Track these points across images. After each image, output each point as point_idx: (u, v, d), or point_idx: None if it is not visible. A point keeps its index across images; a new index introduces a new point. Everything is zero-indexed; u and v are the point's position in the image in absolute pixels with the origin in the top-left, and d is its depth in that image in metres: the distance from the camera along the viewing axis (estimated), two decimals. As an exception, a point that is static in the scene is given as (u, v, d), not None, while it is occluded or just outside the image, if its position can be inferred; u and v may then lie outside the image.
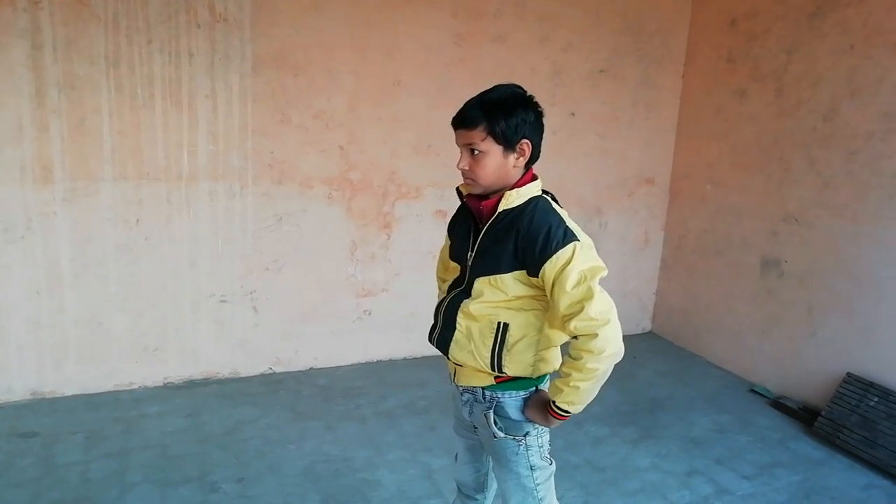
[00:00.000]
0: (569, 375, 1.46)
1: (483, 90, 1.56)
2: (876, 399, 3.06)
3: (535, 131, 1.54)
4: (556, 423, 1.55)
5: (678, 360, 4.13)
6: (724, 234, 3.97)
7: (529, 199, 1.55)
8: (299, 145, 3.40)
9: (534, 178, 1.59)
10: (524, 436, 1.61)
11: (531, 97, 1.56)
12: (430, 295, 3.82)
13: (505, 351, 1.56)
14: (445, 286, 1.88)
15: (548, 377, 1.64)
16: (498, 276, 1.54)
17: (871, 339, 3.16)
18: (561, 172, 4.04)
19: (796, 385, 3.51)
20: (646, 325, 4.61)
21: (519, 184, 1.57)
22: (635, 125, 4.21)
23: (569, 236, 1.47)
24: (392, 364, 3.83)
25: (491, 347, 1.57)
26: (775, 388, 3.61)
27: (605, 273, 1.46)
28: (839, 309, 3.31)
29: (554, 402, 1.50)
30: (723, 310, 4.00)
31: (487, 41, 3.69)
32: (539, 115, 1.55)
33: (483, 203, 1.58)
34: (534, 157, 1.57)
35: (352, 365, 3.77)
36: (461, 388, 1.70)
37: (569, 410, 1.49)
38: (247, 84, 3.23)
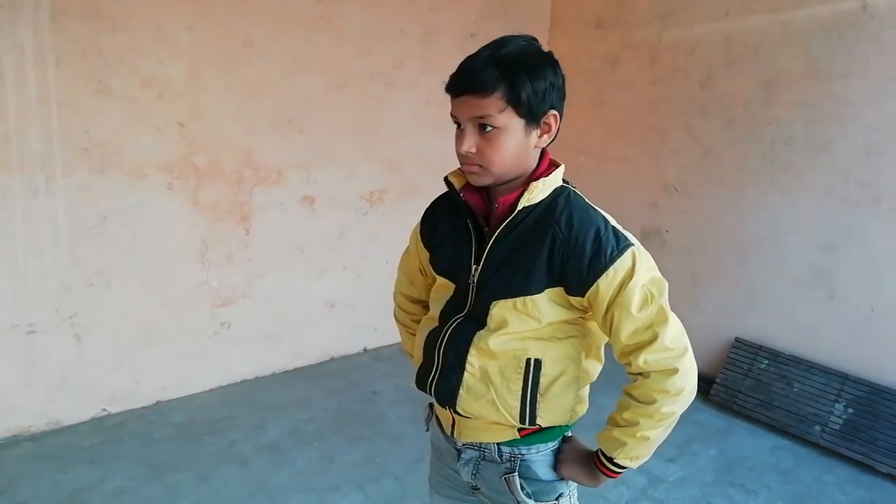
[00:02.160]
0: (636, 424, 1.09)
1: (487, 44, 1.12)
2: (766, 361, 3.14)
3: (562, 100, 1.14)
4: (605, 481, 1.19)
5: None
6: (602, 207, 3.85)
7: (554, 192, 1.15)
8: (125, 122, 2.63)
9: (554, 163, 1.19)
10: (556, 499, 1.23)
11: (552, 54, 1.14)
12: (300, 295, 3.25)
13: (539, 396, 1.16)
14: (415, 309, 1.43)
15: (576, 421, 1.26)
16: (528, 299, 1.12)
17: (755, 302, 3.23)
18: (436, 146, 3.66)
19: (683, 354, 3.53)
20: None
21: (542, 172, 1.16)
22: (506, 95, 3.95)
23: (622, 241, 1.10)
24: (261, 383, 3.22)
25: (520, 394, 1.16)
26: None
27: (667, 286, 1.11)
28: (723, 275, 3.35)
29: (610, 458, 1.14)
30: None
31: (351, -4, 3.16)
32: (564, 78, 1.14)
33: (502, 198, 1.15)
34: (555, 136, 1.17)
35: (212, 390, 3.10)
36: (461, 444, 1.27)
37: (629, 467, 1.14)
38: (45, 41, 2.39)
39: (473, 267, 1.18)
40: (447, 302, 1.24)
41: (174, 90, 2.73)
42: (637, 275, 1.07)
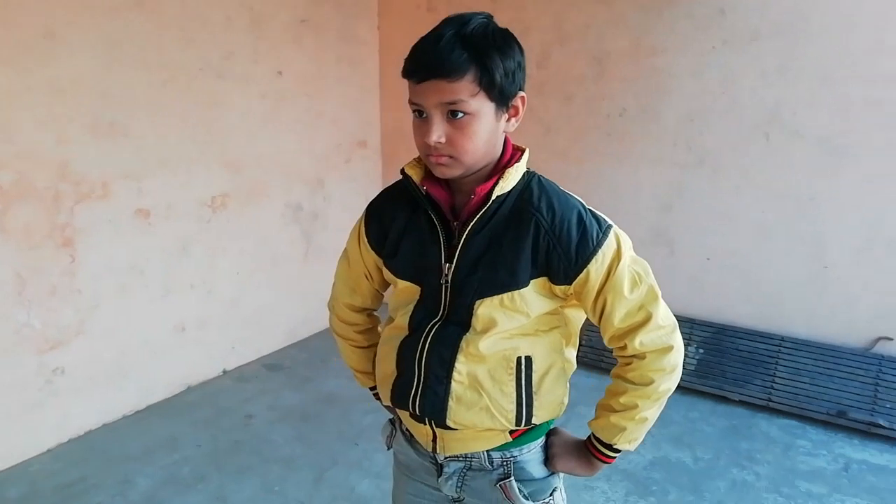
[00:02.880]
0: (634, 407, 1.07)
1: (442, 22, 1.01)
2: (623, 319, 3.38)
3: (524, 81, 1.06)
4: (601, 468, 1.16)
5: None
6: (451, 191, 3.88)
7: (523, 178, 1.09)
8: None
9: (518, 147, 1.12)
10: (551, 494, 1.17)
11: None
12: (144, 323, 2.90)
13: (534, 394, 1.09)
14: (358, 318, 1.29)
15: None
16: (515, 294, 1.04)
17: (607, 267, 3.45)
18: (276, 144, 3.41)
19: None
20: (377, 297, 4.33)
21: (511, 158, 1.08)
22: (342, 83, 3.78)
23: (603, 223, 1.06)
24: (112, 431, 2.77)
25: (515, 395, 1.08)
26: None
27: (648, 264, 1.10)
28: (575, 245, 3.54)
29: (609, 445, 1.11)
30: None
31: (167, -21, 2.78)
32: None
33: (479, 188, 1.05)
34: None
35: (52, 451, 2.60)
36: (443, 458, 1.16)
37: (627, 450, 1.12)
38: None
39: (446, 266, 1.08)
40: (415, 307, 1.12)
41: (-43, 95, 2.20)
42: (623, 256, 1.04)
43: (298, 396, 3.05)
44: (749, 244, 3.00)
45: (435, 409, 1.09)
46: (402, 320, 1.13)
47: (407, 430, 1.23)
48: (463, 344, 1.06)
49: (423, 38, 1.00)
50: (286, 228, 3.56)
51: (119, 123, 2.68)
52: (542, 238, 1.03)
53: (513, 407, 1.08)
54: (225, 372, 3.30)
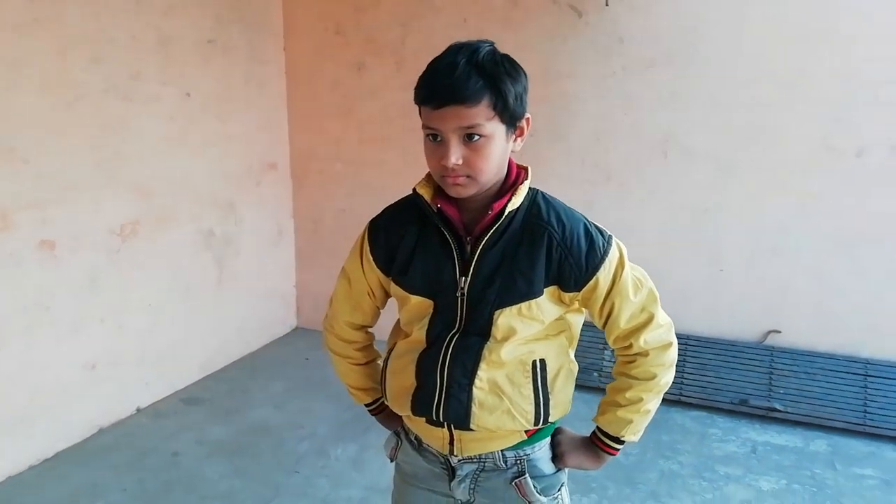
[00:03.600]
0: (640, 401, 1.17)
1: (450, 50, 1.09)
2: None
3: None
4: (607, 461, 1.25)
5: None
6: (367, 212, 3.79)
7: (528, 194, 1.16)
8: None
9: (521, 166, 1.20)
10: (559, 490, 1.26)
11: None
12: (51, 364, 2.82)
13: (550, 393, 1.17)
14: (358, 336, 1.33)
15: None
16: (532, 302, 1.12)
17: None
18: (186, 167, 3.27)
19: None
20: (292, 322, 4.23)
21: (519, 176, 1.16)
22: (252, 105, 3.70)
23: (605, 233, 1.17)
24: (20, 484, 2.51)
25: (533, 397, 1.16)
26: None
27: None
28: (493, 260, 3.67)
29: (617, 437, 1.20)
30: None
31: (69, -5, 2.62)
32: None
33: (496, 204, 1.12)
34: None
35: (-50, 512, 2.33)
36: (457, 460, 1.21)
37: (633, 441, 1.21)
38: None
39: (462, 279, 1.13)
40: (431, 321, 1.17)
41: None
42: (626, 264, 1.14)
43: (225, 429, 2.92)
44: (654, 252, 3.24)
45: (459, 416, 1.14)
46: (420, 334, 1.17)
47: (416, 438, 1.26)
48: (485, 352, 1.13)
49: (435, 67, 1.06)
50: (198, 255, 3.41)
51: (20, 149, 2.48)
52: (555, 250, 1.11)
53: (531, 407, 1.15)
54: (139, 410, 3.09)
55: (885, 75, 2.83)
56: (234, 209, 3.63)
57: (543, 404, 1.16)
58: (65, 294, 2.71)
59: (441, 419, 1.15)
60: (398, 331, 1.27)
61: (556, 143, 3.41)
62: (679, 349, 3.43)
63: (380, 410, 1.40)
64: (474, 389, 1.13)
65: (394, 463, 1.35)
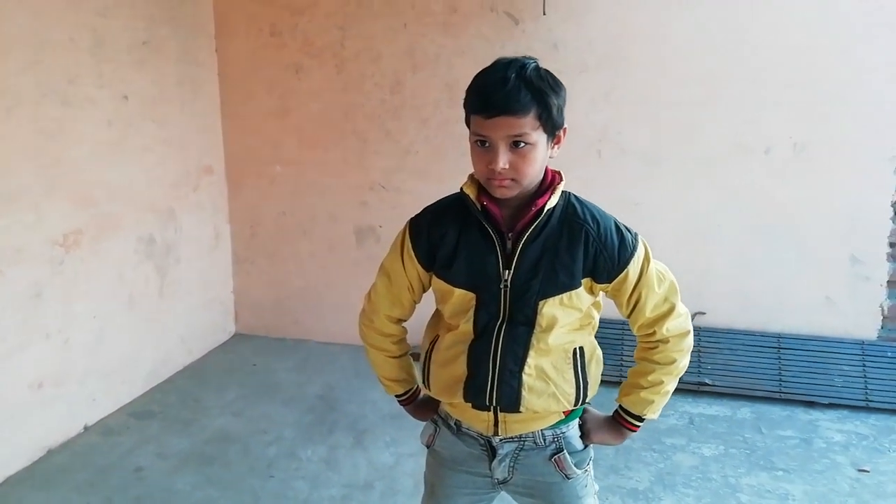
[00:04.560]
0: (660, 383, 1.33)
1: (499, 65, 1.21)
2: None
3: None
4: (628, 437, 1.40)
5: (293, 351, 3.91)
6: (308, 214, 3.90)
7: (562, 195, 1.29)
8: None
9: (554, 170, 1.32)
10: (588, 463, 1.41)
11: None
12: (3, 383, 2.61)
13: (589, 378, 1.32)
14: (396, 329, 1.44)
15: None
16: (573, 293, 1.26)
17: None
18: (126, 173, 3.16)
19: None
20: (231, 328, 4.15)
21: (554, 178, 1.29)
22: (186, 107, 3.60)
23: (631, 230, 1.32)
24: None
25: (574, 381, 1.30)
26: (397, 343, 3.87)
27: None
28: (438, 257, 3.78)
29: (639, 416, 1.35)
30: (323, 288, 3.98)
31: (2, -6, 2.48)
32: None
33: (539, 200, 1.25)
34: None
35: None
36: (498, 440, 1.33)
37: (653, 419, 1.37)
38: None
39: (505, 272, 1.24)
40: (476, 312, 1.27)
41: None
42: (651, 258, 1.29)
43: (186, 441, 2.87)
44: (592, 245, 3.49)
45: (511, 400, 1.26)
46: (467, 326, 1.28)
47: (455, 423, 1.36)
48: (534, 340, 1.25)
49: (486, 79, 1.18)
50: (141, 264, 3.30)
51: (-42, 158, 2.33)
52: (591, 245, 1.25)
53: (573, 390, 1.29)
54: (87, 427, 2.96)
55: (787, 79, 3.19)
56: (173, 215, 3.53)
57: (583, 387, 1.30)
58: (7, 310, 2.56)
59: (493, 404, 1.26)
60: (440, 324, 1.37)
61: (498, 143, 3.56)
62: (616, 334, 3.72)
63: (411, 400, 1.50)
64: (523, 375, 1.26)
65: (429, 449, 1.44)
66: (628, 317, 1.34)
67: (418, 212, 1.39)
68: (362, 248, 3.88)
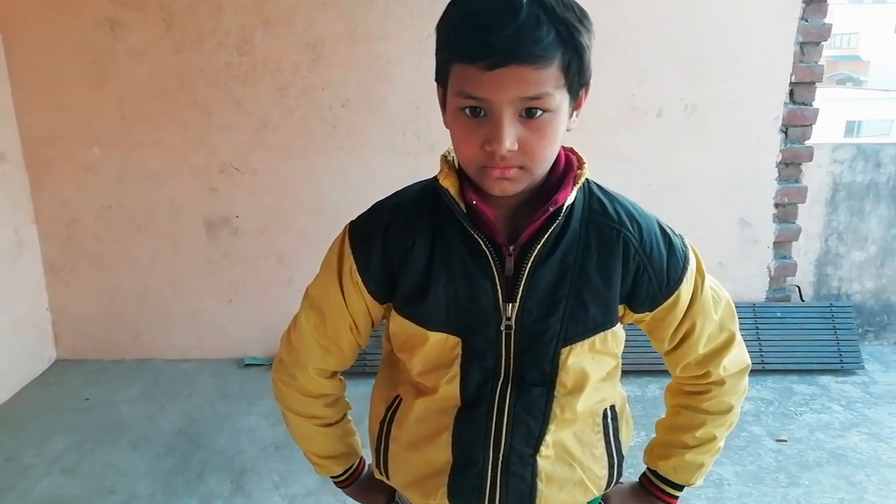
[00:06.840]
0: (713, 439, 0.97)
1: None
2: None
3: None
4: None
5: (136, 376, 3.19)
6: (142, 205, 3.15)
7: (581, 187, 0.87)
8: None
9: (568, 148, 0.89)
10: None
11: None
12: None
13: (622, 446, 0.93)
14: (330, 387, 0.97)
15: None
16: (608, 333, 0.85)
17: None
18: None
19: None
20: (50, 354, 3.32)
21: (570, 161, 0.86)
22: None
23: (678, 232, 0.92)
24: None
25: (606, 457, 0.91)
26: (267, 349, 3.30)
27: None
28: (310, 248, 3.23)
29: (684, 485, 1.00)
30: (168, 294, 3.28)
31: None
32: None
33: (559, 196, 0.81)
34: None
35: None
36: None
37: (697, 485, 1.01)
38: None
39: (508, 307, 0.81)
40: (464, 367, 0.84)
41: None
42: (704, 271, 0.92)
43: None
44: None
45: (521, 499, 0.84)
46: (450, 388, 0.84)
47: None
48: (556, 409, 0.84)
49: (481, 7, 0.71)
50: None
51: None
52: (633, 259, 0.85)
53: (605, 472, 0.91)
54: None
55: (681, 33, 3.02)
56: (-50, 219, 2.66)
57: (618, 464, 0.93)
58: None
59: None
60: (400, 379, 0.91)
61: (373, 112, 3.09)
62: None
63: (353, 479, 1.04)
64: (538, 460, 0.84)
65: None
66: (669, 354, 0.97)
67: (363, 211, 0.91)
68: (215, 244, 3.23)
